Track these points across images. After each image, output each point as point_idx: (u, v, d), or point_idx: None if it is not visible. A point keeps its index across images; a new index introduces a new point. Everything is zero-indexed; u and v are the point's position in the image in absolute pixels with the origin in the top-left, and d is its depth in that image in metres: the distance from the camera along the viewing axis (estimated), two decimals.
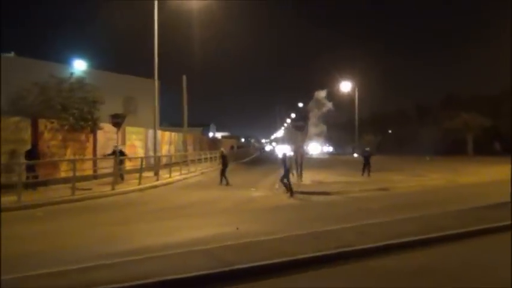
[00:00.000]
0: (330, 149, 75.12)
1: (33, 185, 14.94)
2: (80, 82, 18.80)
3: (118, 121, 17.47)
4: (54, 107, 17.41)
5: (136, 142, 24.80)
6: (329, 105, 66.62)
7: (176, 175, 21.55)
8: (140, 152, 24.50)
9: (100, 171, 18.69)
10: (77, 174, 15.03)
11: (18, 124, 15.81)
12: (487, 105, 50.86)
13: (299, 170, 17.70)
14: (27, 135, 16.11)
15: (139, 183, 17.43)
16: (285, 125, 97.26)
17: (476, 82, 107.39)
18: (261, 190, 17.06)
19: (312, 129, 64.86)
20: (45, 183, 15.87)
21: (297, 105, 79.72)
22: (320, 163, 35.87)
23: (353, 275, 6.02)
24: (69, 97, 17.97)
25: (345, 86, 60.55)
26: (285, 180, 15.26)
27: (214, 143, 51.00)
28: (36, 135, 16.51)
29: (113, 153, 17.98)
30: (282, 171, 15.60)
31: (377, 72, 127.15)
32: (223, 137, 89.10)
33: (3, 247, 6.92)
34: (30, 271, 5.62)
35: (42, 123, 16.92)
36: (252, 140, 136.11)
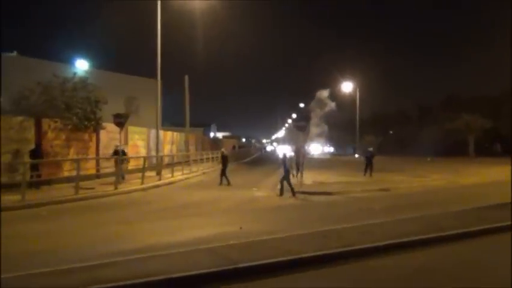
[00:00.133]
0: (331, 149, 75.01)
1: (37, 184, 15.09)
2: (83, 82, 18.83)
3: (120, 121, 17.53)
4: (58, 106, 17.45)
5: (138, 142, 24.91)
6: (332, 104, 66.62)
7: (178, 175, 21.67)
8: (143, 152, 24.61)
9: (102, 171, 18.80)
10: (80, 173, 15.11)
11: (21, 124, 15.90)
12: (487, 106, 50.84)
13: (300, 170, 17.73)
14: (30, 134, 16.19)
15: (142, 183, 17.52)
16: (286, 125, 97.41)
17: (477, 83, 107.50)
18: (262, 190, 17.11)
19: (313, 130, 64.97)
20: (48, 182, 16.01)
21: (298, 106, 79.87)
22: (321, 163, 35.94)
23: (354, 274, 6.09)
24: (72, 97, 18.01)
25: (347, 87, 60.39)
26: (286, 181, 15.28)
27: (216, 143, 50.96)
28: (39, 134, 16.58)
29: (116, 153, 18.08)
30: (282, 172, 15.65)
31: (378, 73, 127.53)
32: (224, 137, 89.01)
33: (8, 246, 6.99)
34: (34, 269, 5.66)
35: (45, 122, 17.00)
36: (253, 140, 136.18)
